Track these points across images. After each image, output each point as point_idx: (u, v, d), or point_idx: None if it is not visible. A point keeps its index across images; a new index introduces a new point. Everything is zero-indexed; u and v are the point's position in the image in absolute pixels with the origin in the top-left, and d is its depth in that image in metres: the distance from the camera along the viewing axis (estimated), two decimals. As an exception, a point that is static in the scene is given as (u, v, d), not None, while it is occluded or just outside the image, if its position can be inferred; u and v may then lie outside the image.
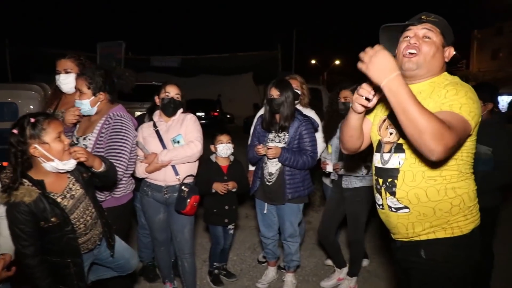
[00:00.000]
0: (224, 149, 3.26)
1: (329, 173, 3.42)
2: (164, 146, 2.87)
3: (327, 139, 3.42)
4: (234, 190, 3.31)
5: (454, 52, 1.65)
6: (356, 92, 1.57)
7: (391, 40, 1.65)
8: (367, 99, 1.55)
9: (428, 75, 1.60)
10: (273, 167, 3.11)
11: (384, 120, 1.71)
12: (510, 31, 30.72)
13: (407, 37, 1.61)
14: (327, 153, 3.48)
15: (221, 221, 3.35)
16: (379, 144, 1.71)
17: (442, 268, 1.57)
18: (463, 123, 1.43)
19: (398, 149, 1.61)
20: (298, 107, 3.41)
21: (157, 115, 3.02)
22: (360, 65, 1.41)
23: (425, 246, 1.60)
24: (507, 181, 2.77)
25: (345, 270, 3.44)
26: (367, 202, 3.13)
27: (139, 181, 2.94)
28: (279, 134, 3.10)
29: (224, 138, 3.28)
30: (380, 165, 1.67)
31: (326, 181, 3.74)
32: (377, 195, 1.72)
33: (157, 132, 2.92)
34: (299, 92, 3.50)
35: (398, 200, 1.60)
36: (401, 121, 1.34)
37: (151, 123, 3.00)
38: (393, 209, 1.63)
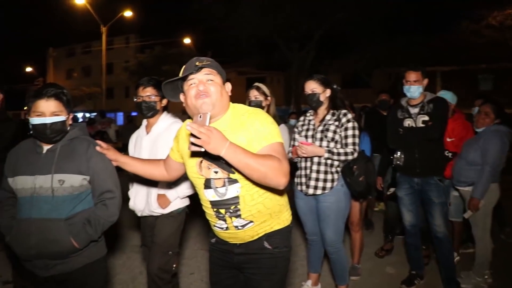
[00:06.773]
0: None
1: None
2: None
3: None
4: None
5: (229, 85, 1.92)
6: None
7: (174, 90, 1.90)
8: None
9: (222, 111, 1.86)
10: None
11: (201, 162, 1.88)
12: (82, 53, 32.83)
13: (192, 84, 1.81)
14: None
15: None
16: (208, 182, 1.89)
17: (282, 252, 1.98)
18: (282, 146, 1.81)
19: (232, 181, 1.84)
20: None
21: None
22: (196, 145, 1.58)
23: (266, 238, 1.95)
24: None
25: None
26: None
27: None
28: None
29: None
30: (217, 199, 1.89)
31: None
32: (220, 222, 1.94)
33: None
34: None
35: (244, 219, 1.90)
36: (245, 173, 1.67)
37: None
38: (239, 228, 1.91)
